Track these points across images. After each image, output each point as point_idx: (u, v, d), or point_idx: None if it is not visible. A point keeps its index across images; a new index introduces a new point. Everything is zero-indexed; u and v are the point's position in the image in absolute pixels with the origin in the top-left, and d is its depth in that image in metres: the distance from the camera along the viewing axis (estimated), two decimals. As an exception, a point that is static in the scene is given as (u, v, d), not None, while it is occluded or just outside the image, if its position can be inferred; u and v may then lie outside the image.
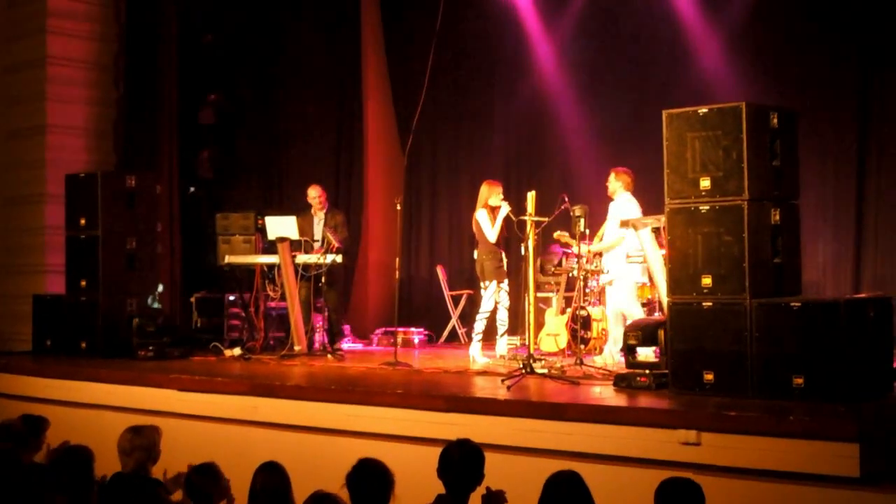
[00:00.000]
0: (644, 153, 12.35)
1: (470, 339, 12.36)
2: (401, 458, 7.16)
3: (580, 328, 11.54)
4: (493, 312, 11.90)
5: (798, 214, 9.01)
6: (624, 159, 13.81)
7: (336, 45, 15.89)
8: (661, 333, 9.12)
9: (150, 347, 12.57)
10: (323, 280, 12.63)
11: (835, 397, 7.74)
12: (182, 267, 15.22)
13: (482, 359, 11.75)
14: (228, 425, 10.19)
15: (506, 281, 11.95)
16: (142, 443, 6.86)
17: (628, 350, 9.38)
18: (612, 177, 11.49)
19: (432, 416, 8.82)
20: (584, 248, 11.37)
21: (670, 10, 13.68)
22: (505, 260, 11.96)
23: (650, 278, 11.12)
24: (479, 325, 11.94)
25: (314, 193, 13.18)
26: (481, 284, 12.00)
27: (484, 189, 11.97)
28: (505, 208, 11.75)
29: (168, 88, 15.24)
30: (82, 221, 13.20)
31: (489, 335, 12.10)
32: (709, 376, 8.40)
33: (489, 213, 11.82)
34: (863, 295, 10.78)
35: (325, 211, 13.20)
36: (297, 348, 12.61)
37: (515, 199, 12.42)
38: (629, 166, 13.18)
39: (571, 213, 10.61)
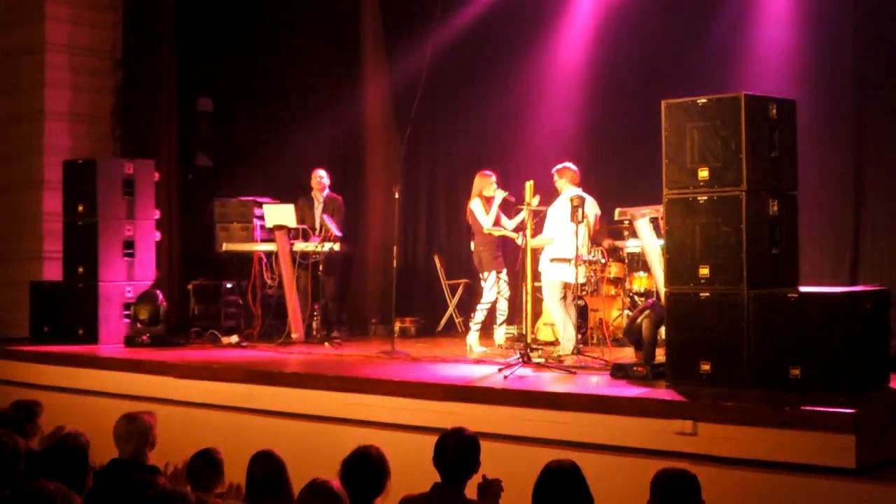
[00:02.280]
0: (643, 143, 12.34)
1: (468, 328, 12.39)
2: (397, 446, 7.16)
3: (577, 318, 11.53)
4: (494, 303, 11.92)
5: (796, 205, 8.99)
6: (623, 150, 13.87)
7: (335, 32, 15.86)
8: (645, 324, 9.21)
9: (148, 334, 12.57)
10: (320, 268, 12.64)
11: (831, 388, 7.74)
12: (180, 254, 15.22)
13: (479, 348, 11.79)
14: (225, 412, 10.20)
15: (504, 271, 11.97)
16: (138, 429, 6.86)
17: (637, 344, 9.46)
18: (555, 175, 11.43)
19: (429, 405, 8.84)
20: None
21: (669, 2, 13.67)
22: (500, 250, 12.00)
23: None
24: (479, 314, 11.97)
25: (321, 174, 13.20)
26: (480, 275, 12.03)
27: (477, 180, 12.03)
28: (499, 195, 11.80)
29: (166, 75, 15.23)
30: (80, 208, 13.20)
31: (487, 325, 12.12)
32: (705, 367, 8.40)
33: (483, 203, 11.85)
34: (860, 287, 10.77)
35: (324, 194, 13.21)
36: (294, 336, 12.64)
37: (514, 188, 12.44)
38: (627, 157, 13.24)
39: (570, 202, 10.59)
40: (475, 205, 11.91)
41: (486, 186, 11.92)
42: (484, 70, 15.41)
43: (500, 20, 15.12)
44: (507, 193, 11.82)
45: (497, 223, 11.88)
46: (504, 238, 12.06)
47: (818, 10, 12.61)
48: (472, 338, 11.91)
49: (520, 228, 11.34)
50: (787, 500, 7.20)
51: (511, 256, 12.58)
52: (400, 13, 16.13)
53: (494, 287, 11.88)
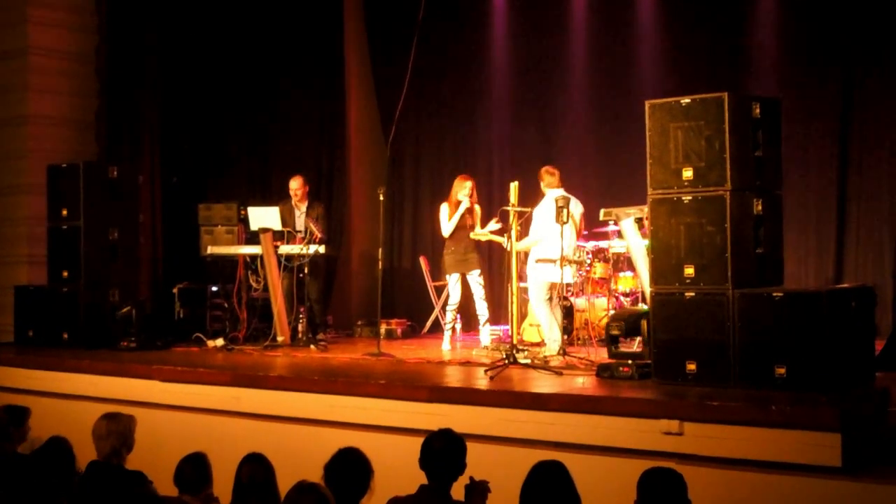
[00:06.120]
0: (628, 144, 12.38)
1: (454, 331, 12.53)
2: (383, 448, 7.17)
3: (563, 318, 11.54)
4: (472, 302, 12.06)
5: (780, 205, 9.02)
6: (608, 151, 13.90)
7: (319, 35, 15.83)
8: (644, 324, 9.15)
9: (133, 338, 12.54)
10: (305, 271, 12.62)
11: (817, 387, 7.75)
12: (164, 258, 15.18)
13: (446, 346, 12.10)
14: (211, 416, 10.18)
15: (475, 272, 12.04)
16: (117, 429, 6.86)
17: (611, 340, 9.41)
18: (540, 177, 11.50)
19: (415, 407, 8.83)
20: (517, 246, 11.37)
21: (654, 5, 13.71)
22: (470, 251, 12.11)
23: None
24: (448, 315, 12.26)
25: (296, 185, 13.14)
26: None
27: (454, 184, 12.12)
28: (465, 203, 11.89)
29: (150, 78, 15.19)
30: (64, 212, 13.17)
31: (473, 325, 12.22)
32: (691, 366, 8.41)
33: (450, 208, 11.97)
34: (845, 285, 10.81)
35: (306, 203, 13.18)
36: (279, 339, 12.60)
37: (499, 189, 12.48)
38: (611, 158, 13.28)
39: (555, 203, 10.60)
40: (441, 210, 12.06)
41: (460, 190, 12.00)
42: (469, 71, 15.42)
43: (485, 21, 15.15)
44: (469, 206, 11.93)
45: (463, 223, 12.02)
46: (480, 239, 12.15)
47: (803, 8, 12.67)
48: (445, 340, 12.13)
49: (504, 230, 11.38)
50: (774, 498, 7.22)
51: (497, 258, 12.62)
52: (383, 16, 16.13)
53: (457, 288, 12.00)
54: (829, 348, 7.89)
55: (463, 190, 12.00)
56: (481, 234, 11.88)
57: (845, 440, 6.87)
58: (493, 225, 11.86)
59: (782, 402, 7.35)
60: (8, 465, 7.07)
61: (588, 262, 12.17)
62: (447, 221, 12.05)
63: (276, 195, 13.66)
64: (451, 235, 12.10)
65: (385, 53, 16.09)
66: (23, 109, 14.58)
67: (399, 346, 12.71)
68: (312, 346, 12.34)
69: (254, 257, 12.99)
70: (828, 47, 12.56)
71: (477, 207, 12.22)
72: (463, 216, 12.01)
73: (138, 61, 15.14)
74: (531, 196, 11.49)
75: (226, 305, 13.50)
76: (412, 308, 15.16)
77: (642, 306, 10.56)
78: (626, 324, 9.40)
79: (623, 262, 12.34)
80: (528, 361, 10.18)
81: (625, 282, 12.35)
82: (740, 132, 8.48)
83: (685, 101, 8.60)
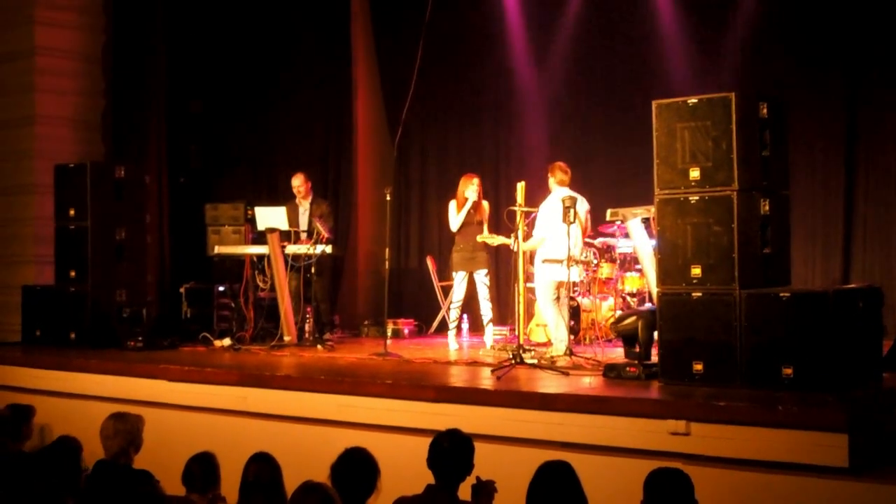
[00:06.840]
0: (634, 144, 12.37)
1: (460, 329, 12.53)
2: (390, 448, 7.17)
3: (570, 318, 11.53)
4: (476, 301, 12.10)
5: (787, 205, 9.01)
6: (614, 151, 13.89)
7: (325, 35, 15.85)
8: (640, 324, 9.18)
9: (139, 338, 12.55)
10: (312, 270, 12.63)
11: (824, 387, 7.74)
12: (171, 257, 15.19)
13: (453, 345, 12.02)
14: (217, 415, 10.18)
15: (481, 271, 12.05)
16: (124, 428, 6.88)
17: (625, 341, 9.44)
18: (548, 173, 11.52)
19: (422, 407, 8.83)
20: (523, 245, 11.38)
21: (660, 4, 13.70)
22: (480, 250, 12.14)
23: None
24: (452, 313, 12.30)
25: (297, 182, 13.19)
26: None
27: (461, 182, 12.16)
28: (472, 198, 11.91)
29: (156, 78, 15.20)
30: (71, 212, 13.18)
31: (480, 325, 12.23)
32: (698, 366, 8.40)
33: (458, 205, 12.00)
34: (852, 285, 10.79)
35: (309, 200, 13.21)
36: (286, 339, 12.61)
37: (505, 189, 12.48)
38: (618, 158, 13.27)
39: (561, 203, 10.60)
40: (450, 206, 12.13)
41: (467, 187, 12.04)
42: (475, 71, 15.42)
43: (492, 22, 15.14)
44: (476, 198, 11.95)
45: (470, 221, 12.05)
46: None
47: (808, 7, 12.66)
48: (450, 337, 12.16)
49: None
50: (781, 499, 7.21)
51: (504, 258, 12.61)
52: (390, 16, 16.13)
53: (462, 286, 12.04)
54: (835, 349, 7.89)
55: (470, 186, 12.03)
56: (488, 237, 11.89)
57: (852, 441, 6.86)
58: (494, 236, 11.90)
59: (789, 403, 7.35)
60: (13, 463, 7.08)
61: (594, 262, 12.17)
62: (455, 216, 12.07)
63: (282, 195, 13.67)
64: (460, 232, 12.11)
65: (392, 53, 16.09)
66: (30, 110, 14.59)
67: (406, 346, 12.71)
68: (319, 346, 12.34)
69: (260, 257, 13.00)
70: (833, 46, 12.54)
71: (485, 203, 12.26)
72: (471, 213, 12.02)
73: (145, 61, 15.14)
74: (538, 196, 11.48)
75: (232, 305, 13.50)
76: (419, 308, 15.16)
77: (648, 306, 10.55)
78: (622, 326, 9.44)
79: (630, 262, 12.34)
80: (535, 361, 10.17)
81: (631, 282, 12.34)
82: (747, 132, 8.47)
83: (692, 101, 8.59)
